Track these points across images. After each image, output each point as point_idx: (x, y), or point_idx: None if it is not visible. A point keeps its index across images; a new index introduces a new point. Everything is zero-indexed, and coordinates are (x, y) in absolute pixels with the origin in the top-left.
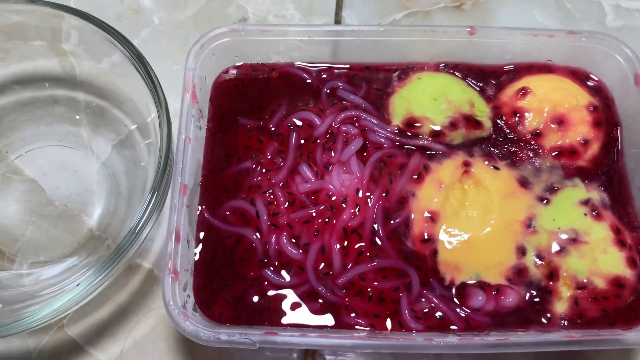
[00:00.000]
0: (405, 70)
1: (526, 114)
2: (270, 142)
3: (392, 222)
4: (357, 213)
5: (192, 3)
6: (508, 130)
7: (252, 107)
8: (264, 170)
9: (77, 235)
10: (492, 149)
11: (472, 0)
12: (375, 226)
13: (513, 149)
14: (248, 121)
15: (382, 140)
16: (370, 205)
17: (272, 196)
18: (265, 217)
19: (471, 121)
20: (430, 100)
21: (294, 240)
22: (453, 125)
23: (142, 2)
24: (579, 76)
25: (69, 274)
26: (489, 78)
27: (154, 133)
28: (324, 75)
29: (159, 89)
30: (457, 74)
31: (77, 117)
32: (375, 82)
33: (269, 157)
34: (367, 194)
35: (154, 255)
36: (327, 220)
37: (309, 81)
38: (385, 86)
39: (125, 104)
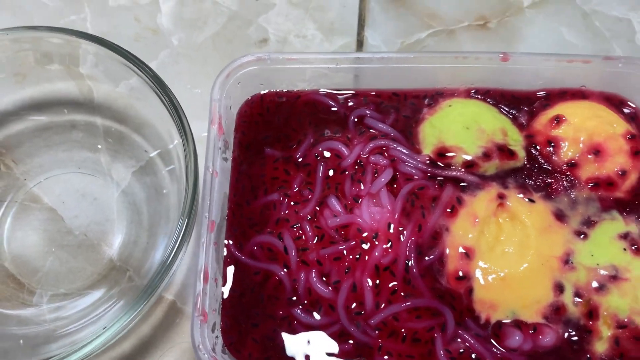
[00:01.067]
0: (435, 97)
1: (561, 144)
2: (297, 173)
3: (425, 258)
4: (390, 249)
5: (211, 23)
6: (543, 161)
7: (278, 135)
8: (291, 203)
9: (98, 266)
10: (526, 180)
11: (498, 19)
12: (409, 263)
13: (548, 180)
14: (274, 151)
15: (413, 171)
16: (402, 240)
17: (300, 231)
18: (293, 253)
19: (505, 151)
20: (462, 129)
21: (324, 278)
22: (486, 155)
23: (160, 22)
24: (614, 102)
25: (92, 308)
26: (521, 104)
27: (177, 159)
28: (351, 103)
29: (182, 115)
30: (488, 100)
31: (96, 142)
32: (403, 109)
33: (296, 189)
34: (400, 228)
35: (176, 286)
36: (358, 256)
37: (335, 109)
38: (414, 113)
39: (145, 129)
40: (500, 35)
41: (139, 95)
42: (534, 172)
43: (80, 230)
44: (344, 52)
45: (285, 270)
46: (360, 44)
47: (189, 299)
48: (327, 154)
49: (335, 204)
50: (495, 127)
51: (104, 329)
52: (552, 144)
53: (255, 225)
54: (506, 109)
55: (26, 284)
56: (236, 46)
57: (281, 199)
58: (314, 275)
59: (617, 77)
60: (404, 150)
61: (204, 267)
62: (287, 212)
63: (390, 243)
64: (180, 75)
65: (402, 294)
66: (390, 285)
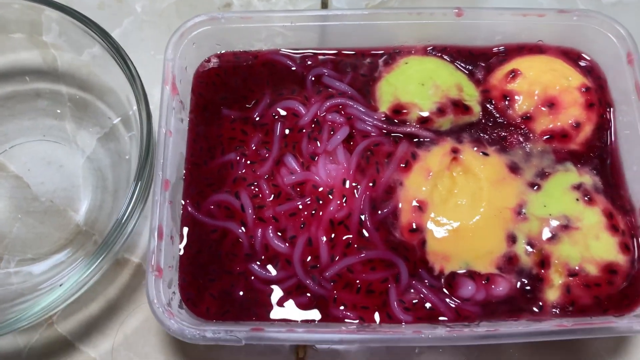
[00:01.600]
0: (392, 55)
1: (516, 97)
2: (254, 133)
3: (379, 212)
4: (344, 204)
5: None
6: (498, 115)
7: (236, 96)
8: (248, 162)
9: (64, 231)
10: (481, 135)
11: None
12: (363, 217)
13: (503, 133)
14: (231, 112)
15: (369, 128)
16: (357, 196)
17: (257, 189)
18: (250, 211)
19: (459, 106)
20: (417, 86)
21: (280, 234)
22: (441, 111)
23: None
24: (571, 56)
25: (57, 270)
26: (478, 60)
27: (137, 125)
28: (309, 62)
29: (138, 81)
30: (445, 57)
31: (61, 110)
32: (361, 67)
33: (254, 148)
34: (354, 184)
35: (142, 249)
36: (313, 212)
37: (293, 69)
38: (371, 72)
39: (108, 96)
40: None
41: (101, 63)
42: (489, 126)
43: (47, 197)
44: (299, 10)
45: (242, 227)
46: (324, 6)
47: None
48: (284, 113)
49: (292, 162)
50: (450, 83)
51: (60, 285)
52: (507, 98)
53: (212, 184)
54: (463, 65)
55: None
56: (199, 11)
57: (238, 158)
58: (270, 231)
59: (574, 31)
60: (360, 108)
61: (158, 224)
62: (244, 171)
63: (345, 198)
64: (144, 42)
65: (356, 246)
66: (344, 238)
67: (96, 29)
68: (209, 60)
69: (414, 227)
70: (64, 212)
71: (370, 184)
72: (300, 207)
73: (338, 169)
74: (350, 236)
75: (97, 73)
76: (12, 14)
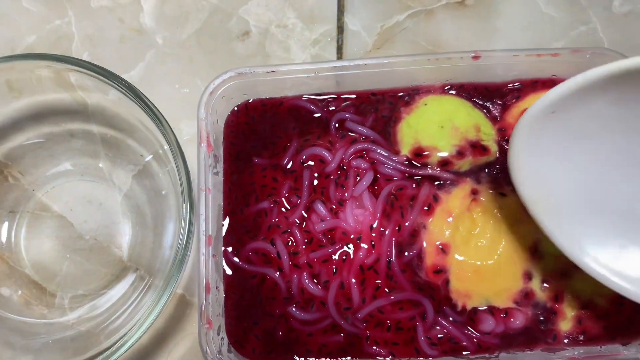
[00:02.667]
0: (412, 95)
1: None
2: (285, 180)
3: (405, 254)
4: (373, 250)
5: (193, 19)
6: None
7: (265, 143)
8: (281, 210)
9: (110, 267)
10: (498, 174)
11: None
12: (390, 260)
13: None
14: (262, 160)
15: (392, 172)
16: (384, 240)
17: (291, 237)
18: (285, 257)
19: (477, 147)
20: (437, 129)
21: (315, 280)
22: (460, 153)
23: (142, 22)
24: None
25: (113, 307)
26: (494, 97)
27: (171, 161)
28: (332, 107)
29: (165, 123)
30: (463, 94)
31: (95, 149)
32: (382, 109)
33: (285, 195)
34: (381, 229)
35: (184, 280)
36: (344, 258)
37: (317, 115)
38: (392, 112)
39: (138, 134)
40: (478, 12)
41: (127, 103)
42: (505, 165)
43: (90, 235)
44: (321, 61)
45: (279, 273)
46: (340, 30)
47: (195, 290)
48: (311, 163)
49: (321, 208)
50: (468, 124)
51: (135, 324)
52: None
53: (249, 231)
54: (480, 102)
55: (47, 288)
56: (219, 41)
57: (271, 206)
58: (305, 276)
59: (587, 67)
60: (383, 152)
61: (205, 280)
62: (277, 219)
63: (372, 243)
64: (168, 75)
65: (386, 289)
66: (374, 282)
67: (108, 75)
68: (237, 110)
69: (438, 268)
70: (108, 248)
71: (396, 228)
72: (332, 254)
73: (365, 214)
74: (380, 281)
75: (124, 111)
76: (39, 71)
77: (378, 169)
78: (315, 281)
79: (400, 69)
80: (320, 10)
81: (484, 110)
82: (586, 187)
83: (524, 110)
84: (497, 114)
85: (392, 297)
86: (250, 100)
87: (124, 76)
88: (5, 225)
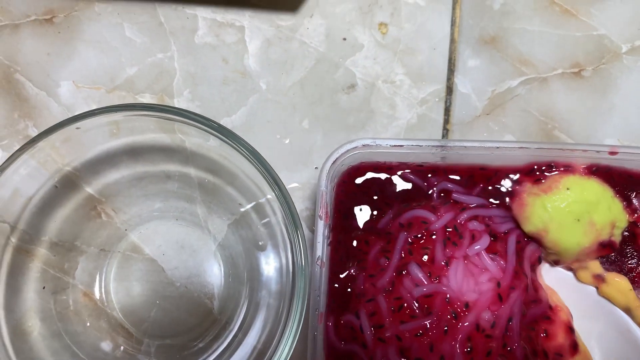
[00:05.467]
0: (544, 170)
1: None
2: (376, 242)
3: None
4: (494, 313)
5: (298, 66)
6: (635, 252)
7: (369, 207)
8: (368, 276)
9: (199, 318)
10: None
11: (593, 66)
12: (511, 321)
13: (632, 264)
14: (357, 224)
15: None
16: (509, 301)
17: (375, 306)
18: (369, 332)
19: (606, 247)
20: (573, 222)
21: (404, 355)
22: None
23: (247, 64)
24: None
25: None
26: (636, 187)
27: (271, 213)
28: (436, 182)
29: (273, 173)
30: (606, 179)
31: (191, 193)
32: (496, 181)
33: (372, 258)
34: (511, 287)
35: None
36: (446, 329)
37: (424, 184)
38: (513, 186)
39: (237, 182)
40: (595, 84)
41: (228, 150)
42: (624, 254)
43: (181, 282)
44: (445, 140)
45: (364, 349)
46: (449, 91)
47: None
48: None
49: (417, 271)
50: (606, 221)
51: None
52: None
53: (345, 302)
54: (622, 189)
55: (134, 333)
56: (324, 91)
57: (358, 272)
58: (392, 354)
59: None
60: (501, 214)
61: None
62: (363, 286)
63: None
64: (270, 124)
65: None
66: (486, 346)
67: (212, 125)
68: (350, 174)
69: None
70: (198, 298)
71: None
72: (428, 327)
73: (481, 276)
74: (493, 345)
75: (225, 158)
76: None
77: (494, 230)
78: (406, 356)
79: (524, 155)
80: (430, 68)
81: (625, 202)
82: None
83: None
84: (637, 205)
85: None
86: (364, 163)
87: (226, 119)
88: (96, 264)
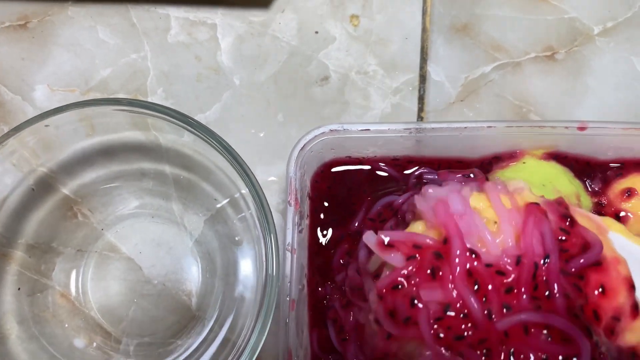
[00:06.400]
0: (506, 158)
1: (629, 216)
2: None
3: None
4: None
5: (271, 61)
6: None
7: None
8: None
9: (178, 315)
10: None
11: (566, 48)
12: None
13: None
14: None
15: None
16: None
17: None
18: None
19: None
20: (539, 186)
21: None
22: None
23: (220, 61)
24: None
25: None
26: (595, 171)
27: (245, 207)
28: (409, 171)
29: (246, 167)
30: (564, 164)
31: (167, 191)
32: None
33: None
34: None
35: None
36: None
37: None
38: (481, 171)
39: (212, 177)
40: (568, 67)
41: (202, 145)
42: None
43: (159, 280)
44: (414, 122)
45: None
46: (423, 79)
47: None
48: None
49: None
50: (570, 191)
51: None
52: (619, 217)
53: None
54: (579, 174)
55: (112, 332)
56: (297, 85)
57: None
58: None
59: None
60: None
61: (289, 350)
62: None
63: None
64: (244, 118)
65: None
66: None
67: (184, 119)
68: (324, 166)
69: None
70: (176, 295)
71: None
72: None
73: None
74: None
75: (199, 154)
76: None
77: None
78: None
79: (496, 134)
80: (403, 58)
81: (583, 182)
82: None
83: (624, 190)
84: (597, 189)
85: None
86: (333, 159)
87: (200, 116)
88: (73, 264)
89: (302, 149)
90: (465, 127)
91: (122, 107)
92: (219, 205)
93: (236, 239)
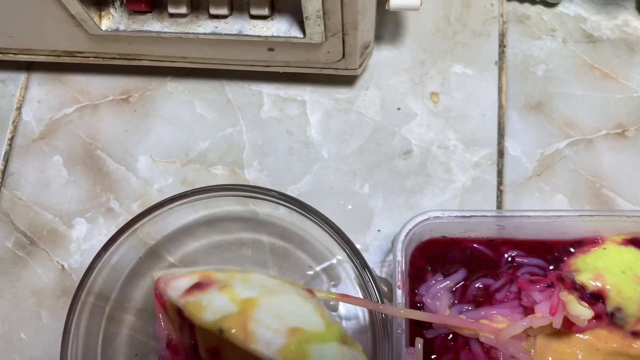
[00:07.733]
0: (586, 243)
1: None
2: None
3: None
4: None
5: (357, 135)
6: None
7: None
8: None
9: None
10: None
11: (635, 126)
12: None
13: None
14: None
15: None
16: None
17: None
18: None
19: None
20: (618, 273)
21: None
22: None
23: (309, 135)
24: None
25: None
26: None
27: (342, 273)
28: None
29: (345, 237)
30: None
31: (264, 259)
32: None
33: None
34: None
35: None
36: None
37: (488, 255)
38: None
39: (307, 246)
40: (639, 143)
41: (297, 216)
42: None
43: None
44: (510, 210)
45: None
46: (501, 154)
47: None
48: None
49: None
50: None
51: None
52: None
53: None
54: None
55: None
56: (382, 158)
57: None
58: None
59: None
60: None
61: None
62: None
63: None
64: (332, 190)
65: None
66: None
67: (278, 197)
68: (420, 246)
69: None
70: None
71: None
72: None
73: None
74: None
75: (293, 224)
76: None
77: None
78: None
79: (584, 222)
80: (481, 133)
81: None
82: None
83: None
84: None
85: None
86: (431, 239)
87: (292, 187)
88: None
89: (407, 234)
90: (558, 216)
91: (233, 193)
92: (312, 272)
93: (331, 304)
